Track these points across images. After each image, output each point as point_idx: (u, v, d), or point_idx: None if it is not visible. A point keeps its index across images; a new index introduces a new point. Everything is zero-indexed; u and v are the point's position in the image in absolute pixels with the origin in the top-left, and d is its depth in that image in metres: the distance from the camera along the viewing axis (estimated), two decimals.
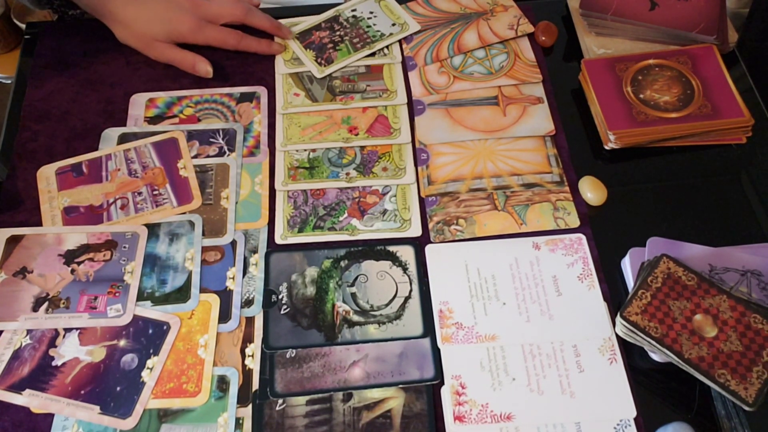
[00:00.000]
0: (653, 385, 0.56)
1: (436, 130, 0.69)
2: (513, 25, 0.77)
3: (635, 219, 0.64)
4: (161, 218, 0.63)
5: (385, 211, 0.64)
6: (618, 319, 0.54)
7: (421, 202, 0.65)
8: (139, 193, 0.64)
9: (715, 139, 0.69)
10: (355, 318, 0.58)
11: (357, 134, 0.69)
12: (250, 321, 0.58)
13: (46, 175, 0.66)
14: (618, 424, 0.53)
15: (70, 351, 0.56)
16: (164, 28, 0.70)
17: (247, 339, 0.57)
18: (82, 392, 0.54)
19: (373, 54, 0.75)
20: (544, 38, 0.76)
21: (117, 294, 0.59)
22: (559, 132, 0.69)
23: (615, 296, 0.60)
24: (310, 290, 0.60)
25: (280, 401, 0.55)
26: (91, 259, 0.60)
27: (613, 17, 0.73)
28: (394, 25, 0.77)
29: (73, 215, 0.63)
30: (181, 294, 0.59)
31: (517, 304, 0.59)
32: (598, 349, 0.57)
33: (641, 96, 0.68)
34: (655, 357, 0.55)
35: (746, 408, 0.50)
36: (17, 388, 0.54)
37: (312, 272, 0.61)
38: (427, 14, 0.79)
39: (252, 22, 0.74)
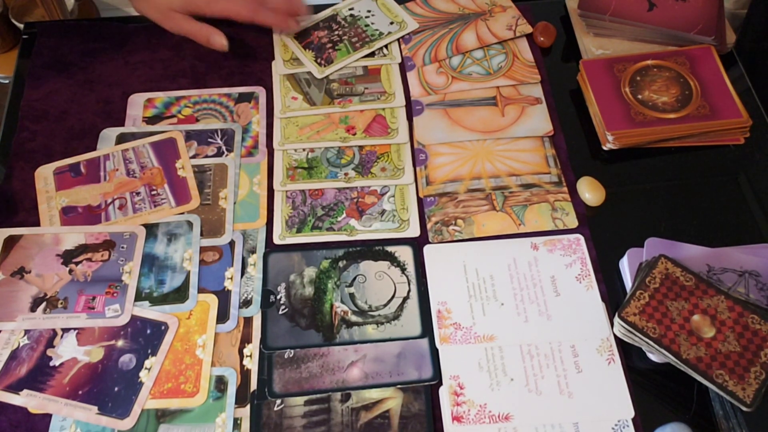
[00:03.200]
0: (651, 386, 0.56)
1: (435, 130, 0.69)
2: (511, 26, 0.77)
3: (633, 219, 0.64)
4: (159, 218, 0.63)
5: (383, 212, 0.64)
6: (616, 319, 0.54)
7: (420, 202, 0.65)
8: (138, 193, 0.64)
9: (713, 139, 0.69)
10: (354, 318, 0.58)
11: (354, 134, 0.69)
12: (248, 321, 0.58)
13: (44, 175, 0.65)
14: (616, 425, 0.53)
15: (67, 351, 0.56)
16: None
17: (246, 339, 0.57)
18: (80, 392, 0.54)
19: (372, 54, 0.75)
20: (542, 39, 0.76)
21: (115, 294, 0.58)
22: (558, 132, 0.69)
23: (613, 297, 0.60)
24: (309, 290, 0.60)
25: (279, 401, 0.54)
26: (89, 259, 0.60)
27: (612, 18, 0.73)
28: (392, 23, 0.77)
29: (71, 215, 0.63)
30: (180, 294, 0.59)
31: (515, 304, 0.59)
32: (596, 350, 0.57)
33: (639, 96, 0.69)
34: (653, 357, 0.55)
35: (744, 408, 0.50)
36: (15, 388, 0.54)
37: (310, 272, 0.61)
38: (425, 14, 0.79)
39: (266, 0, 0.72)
